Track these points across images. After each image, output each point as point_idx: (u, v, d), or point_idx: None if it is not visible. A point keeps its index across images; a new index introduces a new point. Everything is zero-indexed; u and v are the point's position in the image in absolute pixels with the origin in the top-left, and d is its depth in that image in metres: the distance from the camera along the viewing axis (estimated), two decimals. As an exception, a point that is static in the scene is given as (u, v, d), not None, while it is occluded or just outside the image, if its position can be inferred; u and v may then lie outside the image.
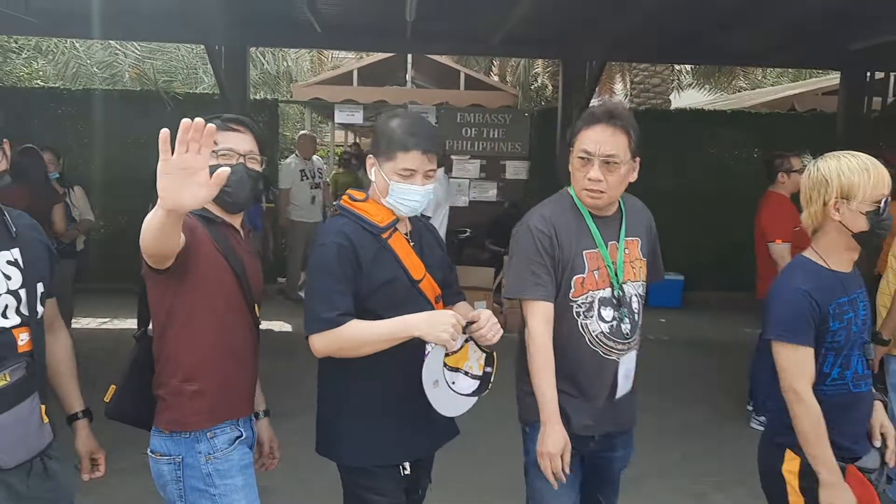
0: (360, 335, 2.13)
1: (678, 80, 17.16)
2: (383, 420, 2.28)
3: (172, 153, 1.55)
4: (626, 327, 2.43)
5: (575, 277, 2.39)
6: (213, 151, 2.12)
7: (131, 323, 7.27)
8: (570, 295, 2.39)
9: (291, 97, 13.82)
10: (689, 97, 17.57)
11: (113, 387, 2.21)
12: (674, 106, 13.71)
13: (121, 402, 2.20)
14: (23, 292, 2.03)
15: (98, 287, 7.71)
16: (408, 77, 14.78)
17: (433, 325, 2.07)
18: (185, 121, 1.55)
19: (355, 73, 12.84)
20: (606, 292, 2.41)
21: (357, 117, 9.58)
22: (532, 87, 16.55)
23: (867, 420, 2.38)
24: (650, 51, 9.15)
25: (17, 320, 2.01)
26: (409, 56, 12.97)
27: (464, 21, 7.70)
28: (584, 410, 2.41)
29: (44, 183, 5.82)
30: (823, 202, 2.26)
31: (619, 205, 2.54)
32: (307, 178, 8.86)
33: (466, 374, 2.24)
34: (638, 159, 2.42)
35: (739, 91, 18.42)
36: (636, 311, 2.48)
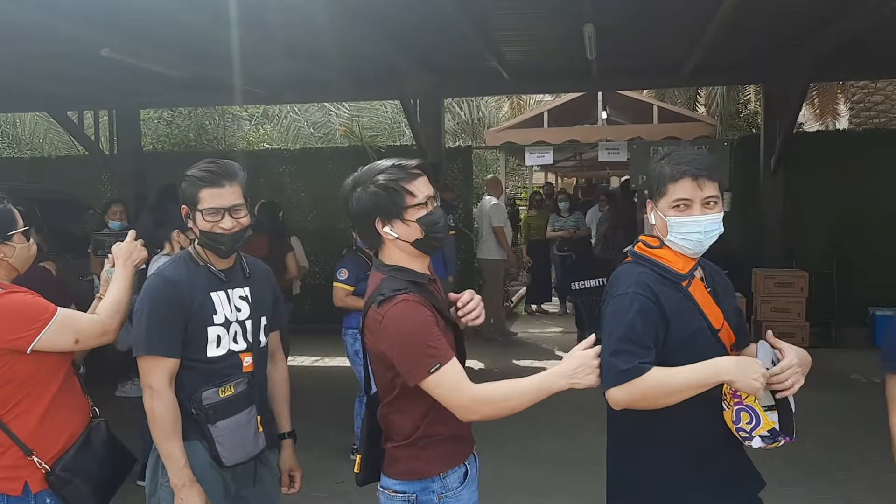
0: (668, 383, 1.98)
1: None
2: (694, 480, 2.13)
3: None
4: None
5: None
6: (417, 205, 2.09)
7: (339, 361, 7.83)
8: None
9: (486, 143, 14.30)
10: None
11: (359, 457, 2.26)
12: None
13: (367, 468, 2.25)
14: (248, 323, 2.45)
15: (312, 328, 8.41)
16: (603, 115, 14.70)
17: (745, 371, 1.93)
18: None
19: (545, 115, 13.02)
20: None
21: (547, 158, 9.70)
22: (741, 115, 15.70)
23: None
24: (866, 66, 8.40)
25: (244, 346, 2.43)
26: (600, 94, 12.93)
27: (648, 54, 7.58)
28: None
29: (280, 235, 6.54)
30: None
31: None
32: None
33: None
34: None
35: None
36: None
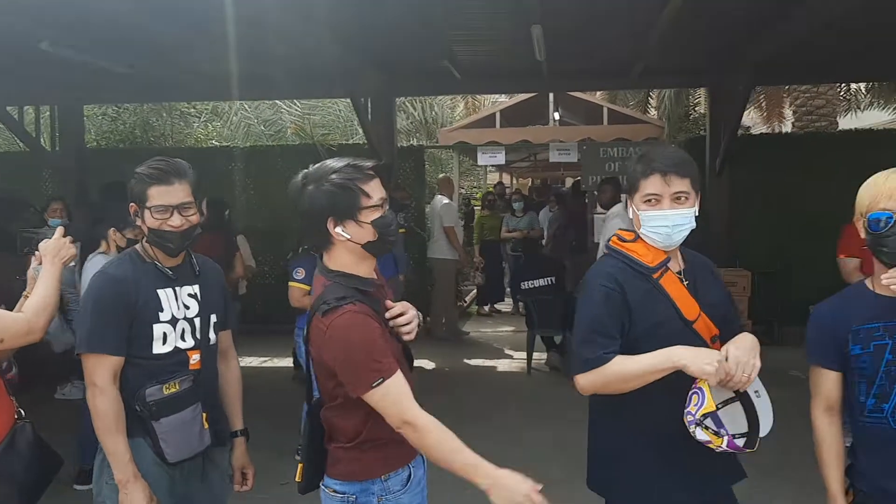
0: (625, 370, 2.12)
1: (855, 99, 15.68)
2: (660, 469, 2.22)
3: None
4: None
5: None
6: (372, 206, 2.05)
7: (288, 362, 7.74)
8: None
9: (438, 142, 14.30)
10: (871, 117, 15.96)
11: (300, 465, 2.20)
12: (848, 127, 12.73)
13: (309, 476, 2.20)
14: (197, 321, 2.47)
15: (259, 328, 8.30)
16: (556, 116, 14.82)
17: (698, 357, 2.06)
18: None
19: (498, 115, 13.09)
20: None
21: (499, 158, 9.72)
22: (690, 117, 15.99)
23: None
24: (807, 71, 8.64)
25: (192, 343, 2.45)
26: (552, 95, 13.04)
27: (598, 56, 7.67)
28: None
29: (226, 234, 6.42)
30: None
31: None
32: None
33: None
34: None
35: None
36: None
